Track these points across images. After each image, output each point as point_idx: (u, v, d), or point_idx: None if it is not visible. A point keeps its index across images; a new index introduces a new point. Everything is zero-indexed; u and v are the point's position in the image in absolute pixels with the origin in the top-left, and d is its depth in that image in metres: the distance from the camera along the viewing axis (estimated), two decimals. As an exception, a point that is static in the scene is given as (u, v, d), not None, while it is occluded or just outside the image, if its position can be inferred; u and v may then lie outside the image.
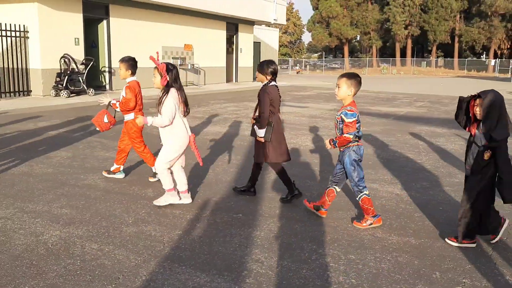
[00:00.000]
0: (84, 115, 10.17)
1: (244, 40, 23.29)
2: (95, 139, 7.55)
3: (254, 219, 4.15)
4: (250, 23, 23.42)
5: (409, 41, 55.82)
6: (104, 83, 15.73)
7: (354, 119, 3.86)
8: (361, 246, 3.61)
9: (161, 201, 4.44)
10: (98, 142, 7.33)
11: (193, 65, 19.03)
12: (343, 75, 3.99)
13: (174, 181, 4.47)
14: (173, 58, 18.00)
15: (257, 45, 25.59)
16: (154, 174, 5.24)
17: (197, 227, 3.93)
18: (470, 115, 3.54)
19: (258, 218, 4.16)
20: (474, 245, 3.61)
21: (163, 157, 4.32)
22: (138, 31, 16.30)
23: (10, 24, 12.69)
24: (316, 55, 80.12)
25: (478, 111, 3.43)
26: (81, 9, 14.15)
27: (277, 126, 4.53)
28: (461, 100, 3.58)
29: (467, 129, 3.63)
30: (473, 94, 3.49)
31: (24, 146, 6.90)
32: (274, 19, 23.19)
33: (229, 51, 22.37)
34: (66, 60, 13.48)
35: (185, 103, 4.36)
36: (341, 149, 4.00)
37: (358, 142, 3.96)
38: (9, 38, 12.76)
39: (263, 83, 4.53)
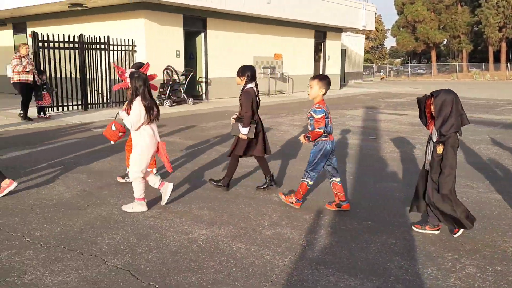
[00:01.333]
0: (191, 124, 10.78)
1: (332, 47, 23.28)
2: (211, 146, 8.00)
3: (385, 227, 4.21)
4: (338, 30, 23.36)
5: (503, 44, 52.20)
6: (200, 93, 16.54)
7: (323, 114, 4.34)
8: (505, 258, 3.53)
9: (128, 208, 4.61)
10: (214, 150, 7.76)
11: (282, 73, 19.38)
12: (314, 77, 4.48)
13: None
14: (263, 67, 18.46)
15: (342, 52, 25.42)
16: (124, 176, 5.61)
17: (331, 232, 4.07)
18: (427, 113, 3.94)
19: (388, 226, 4.21)
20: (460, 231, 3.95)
21: (133, 167, 4.51)
22: (232, 42, 16.96)
23: (120, 39, 13.82)
24: (398, 60, 77.63)
25: (432, 109, 3.83)
26: (182, 24, 15.04)
27: (258, 125, 5.06)
28: (418, 100, 3.95)
29: (427, 127, 3.99)
30: (427, 94, 3.89)
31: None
32: (363, 26, 22.94)
33: (316, 59, 22.47)
34: (168, 71, 14.39)
35: (148, 110, 4.40)
36: (313, 143, 4.49)
37: (327, 137, 4.45)
38: (119, 52, 13.89)
39: (242, 86, 5.06)
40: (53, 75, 12.23)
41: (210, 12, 15.58)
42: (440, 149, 3.79)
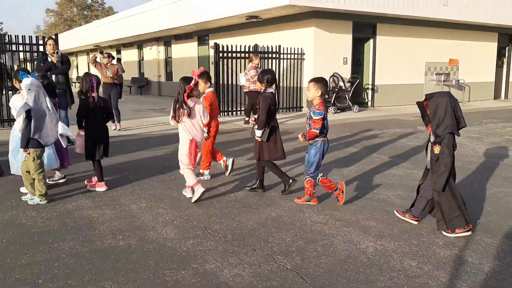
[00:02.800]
0: (355, 132, 10.65)
1: (518, 51, 20.59)
2: (376, 155, 7.80)
3: None
4: (527, 32, 20.56)
5: None
6: (366, 100, 16.23)
7: (321, 116, 4.67)
8: None
9: (195, 197, 5.08)
10: (379, 159, 7.53)
11: (457, 80, 17.84)
12: (311, 80, 4.84)
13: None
14: (436, 74, 17.27)
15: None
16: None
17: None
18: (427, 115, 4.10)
19: None
20: (469, 233, 4.07)
21: (180, 160, 5.19)
22: (402, 48, 16.25)
23: (290, 48, 14.38)
24: None
25: (428, 112, 4.05)
26: (351, 30, 14.97)
27: (274, 128, 5.26)
28: (418, 104, 4.15)
29: (426, 128, 4.17)
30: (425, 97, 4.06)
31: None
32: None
33: (498, 65, 20.14)
34: (335, 78, 14.46)
35: (174, 110, 5.07)
36: (310, 142, 4.81)
37: (324, 137, 4.81)
38: (288, 60, 14.47)
39: (262, 90, 5.26)
40: (229, 82, 13.33)
41: (380, 17, 15.19)
42: (437, 149, 4.03)
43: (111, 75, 10.35)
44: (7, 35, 11.04)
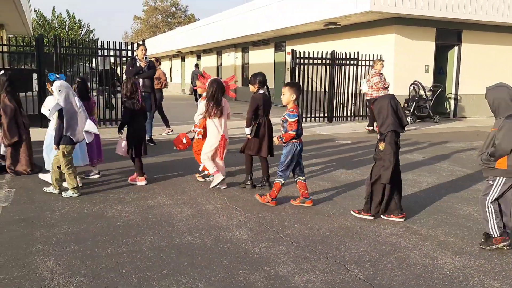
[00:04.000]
0: (435, 142, 10.20)
1: None
2: (458, 168, 7.43)
3: None
4: None
5: None
6: (448, 110, 15.48)
7: (296, 119, 4.88)
8: None
9: (212, 184, 5.85)
10: (461, 172, 7.17)
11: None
12: (286, 85, 5.05)
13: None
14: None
15: None
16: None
17: None
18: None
19: None
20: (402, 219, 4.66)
21: (203, 150, 5.87)
22: (490, 56, 15.30)
23: (369, 55, 14.10)
24: None
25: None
26: (434, 37, 14.38)
27: (262, 126, 5.65)
28: (369, 107, 4.08)
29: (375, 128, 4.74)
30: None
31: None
32: None
33: None
34: (415, 86, 13.95)
35: (207, 109, 5.74)
36: (284, 144, 4.97)
37: (297, 139, 4.96)
38: (366, 67, 14.20)
39: (253, 92, 5.75)
40: (305, 89, 13.34)
41: (467, 23, 14.44)
42: (381, 146, 4.51)
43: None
44: (98, 41, 11.96)
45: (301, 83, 13.13)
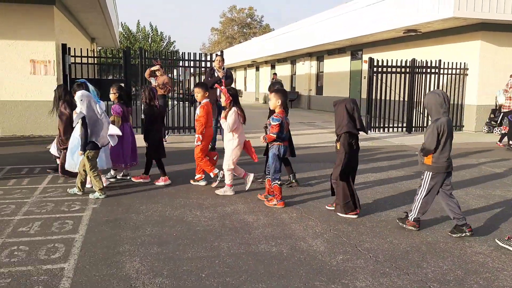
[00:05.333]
0: (526, 156, 9.46)
1: None
2: (551, 185, 6.84)
3: None
4: None
5: None
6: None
7: (278, 123, 5.29)
8: None
9: (220, 192, 6.06)
10: (556, 189, 6.59)
11: None
12: (271, 91, 5.55)
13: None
14: None
15: None
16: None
17: None
18: None
19: None
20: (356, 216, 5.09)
21: (227, 160, 5.96)
22: None
23: (451, 62, 13.44)
24: None
25: None
26: (525, 43, 13.40)
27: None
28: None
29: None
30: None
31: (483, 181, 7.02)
32: None
33: None
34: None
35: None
36: (269, 145, 5.45)
37: (281, 142, 5.40)
38: (449, 76, 13.54)
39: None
40: (382, 98, 12.99)
41: None
42: (338, 145, 4.96)
43: (155, 83, 10.11)
44: (178, 52, 12.49)
45: (378, 92, 12.83)
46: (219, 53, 10.82)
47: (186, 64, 12.34)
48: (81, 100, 5.71)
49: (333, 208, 5.31)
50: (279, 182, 5.49)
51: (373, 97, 12.98)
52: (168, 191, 6.24)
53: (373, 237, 4.51)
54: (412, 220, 4.67)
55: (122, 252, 4.03)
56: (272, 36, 27.83)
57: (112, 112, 6.67)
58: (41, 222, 4.81)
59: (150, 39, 39.73)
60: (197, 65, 12.31)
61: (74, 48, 11.40)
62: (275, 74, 23.51)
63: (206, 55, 12.41)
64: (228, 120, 5.88)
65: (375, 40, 17.67)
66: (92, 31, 19.57)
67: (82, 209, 5.29)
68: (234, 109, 5.91)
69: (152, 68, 10.14)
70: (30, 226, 4.66)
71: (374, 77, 12.95)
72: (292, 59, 26.89)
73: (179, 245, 4.24)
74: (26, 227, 4.63)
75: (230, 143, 6.00)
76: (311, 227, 4.79)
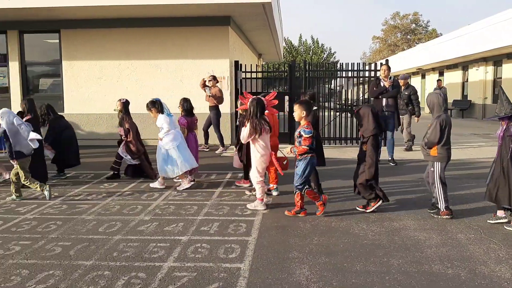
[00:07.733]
0: None
1: None
2: None
3: None
4: None
5: None
6: None
7: (311, 135, 5.35)
8: None
9: (251, 206, 5.86)
10: None
11: None
12: (296, 103, 5.54)
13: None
14: None
15: None
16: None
17: None
18: None
19: None
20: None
21: (254, 172, 5.80)
22: None
23: None
24: None
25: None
26: None
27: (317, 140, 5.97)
28: (354, 115, 5.90)
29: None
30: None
31: None
32: None
33: None
34: None
35: (255, 127, 5.61)
36: (299, 157, 5.45)
37: (313, 153, 5.45)
38: None
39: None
40: None
41: None
42: (365, 147, 5.46)
43: (209, 94, 10.47)
44: (339, 63, 12.49)
45: None
46: (384, 61, 10.49)
47: (349, 74, 12.27)
48: (1, 117, 6.35)
49: (364, 209, 5.63)
50: (303, 193, 5.45)
51: None
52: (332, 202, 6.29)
53: None
54: (444, 209, 5.31)
55: (292, 258, 4.19)
56: (441, 41, 26.02)
57: (178, 124, 7.11)
58: (219, 223, 5.29)
59: (311, 51, 40.69)
60: (360, 75, 12.15)
61: (245, 64, 12.28)
62: (439, 80, 21.87)
63: (364, 64, 12.16)
64: (242, 133, 5.80)
65: None
66: (260, 47, 20.86)
67: (253, 214, 5.66)
68: (252, 121, 5.63)
69: (205, 78, 10.72)
70: (210, 226, 5.16)
71: None
72: (464, 64, 24.69)
73: (347, 257, 4.22)
74: (207, 227, 5.14)
75: (253, 155, 5.86)
76: (494, 251, 4.32)
